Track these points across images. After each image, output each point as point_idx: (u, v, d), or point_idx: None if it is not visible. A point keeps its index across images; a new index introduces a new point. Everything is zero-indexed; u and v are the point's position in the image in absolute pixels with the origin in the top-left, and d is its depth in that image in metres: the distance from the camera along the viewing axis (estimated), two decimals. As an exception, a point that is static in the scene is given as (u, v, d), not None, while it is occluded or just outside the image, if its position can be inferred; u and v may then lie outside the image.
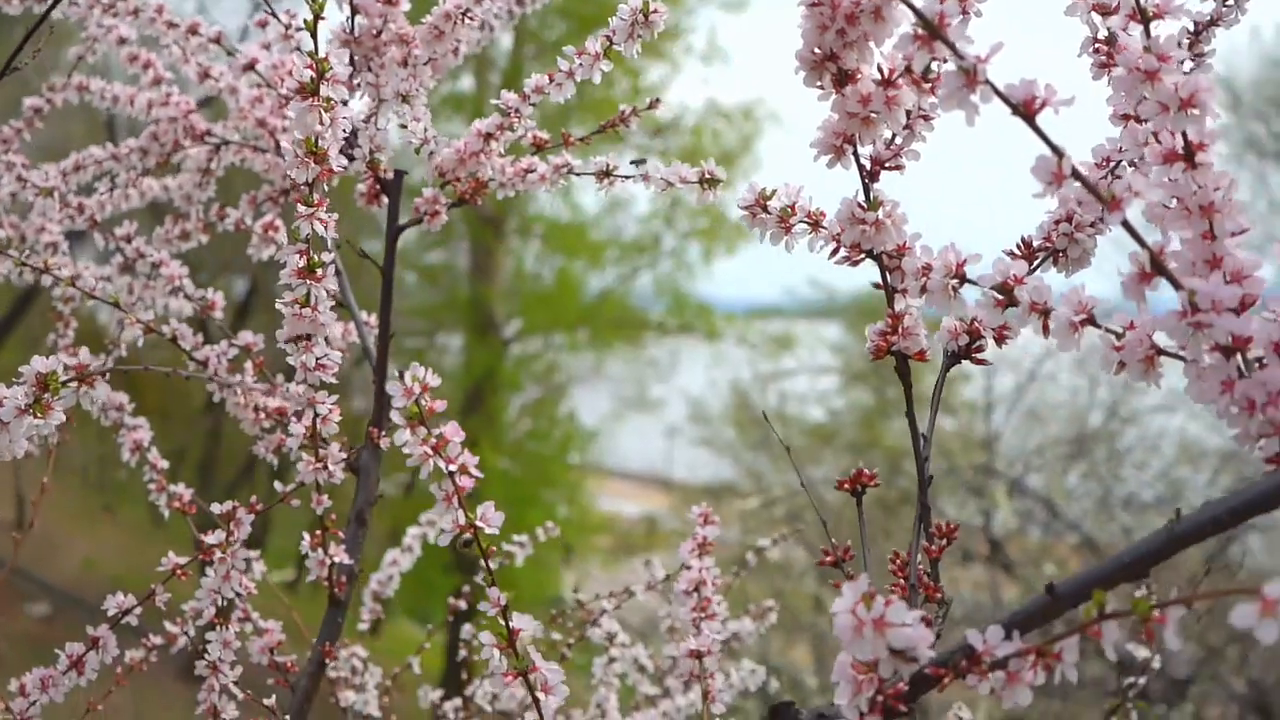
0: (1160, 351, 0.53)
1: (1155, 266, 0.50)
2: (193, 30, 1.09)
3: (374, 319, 1.08)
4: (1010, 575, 5.79)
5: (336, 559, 0.95)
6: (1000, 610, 6.38)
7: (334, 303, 1.02)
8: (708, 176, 0.81)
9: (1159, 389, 0.58)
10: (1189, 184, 0.53)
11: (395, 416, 0.60)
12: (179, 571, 0.90)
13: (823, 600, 7.10)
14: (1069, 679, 0.49)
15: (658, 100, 0.95)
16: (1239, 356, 0.50)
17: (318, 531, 0.94)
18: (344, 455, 0.89)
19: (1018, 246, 0.66)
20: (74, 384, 0.68)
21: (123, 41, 1.20)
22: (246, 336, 1.04)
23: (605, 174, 0.91)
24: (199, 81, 1.15)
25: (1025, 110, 0.49)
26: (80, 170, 1.19)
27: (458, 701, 1.46)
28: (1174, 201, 0.55)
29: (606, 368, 11.85)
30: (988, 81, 0.49)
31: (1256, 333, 0.51)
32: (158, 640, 1.06)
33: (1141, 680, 1.07)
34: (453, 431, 0.61)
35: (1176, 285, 0.50)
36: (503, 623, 0.63)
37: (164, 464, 1.08)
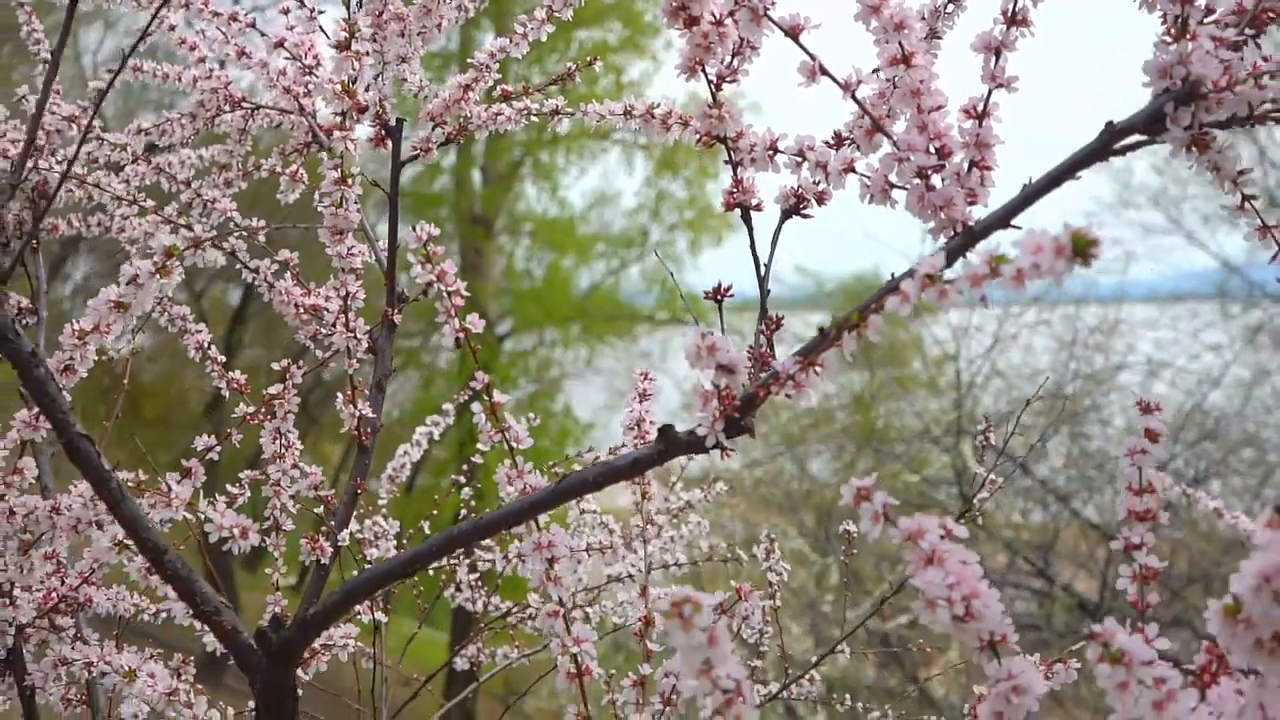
0: (891, 185, 0.84)
1: (875, 127, 0.81)
2: (233, 18, 1.39)
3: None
4: (984, 531, 6.12)
5: (364, 413, 1.25)
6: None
7: (355, 225, 1.33)
8: (628, 109, 1.11)
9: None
10: (906, 76, 0.83)
11: (410, 256, 0.90)
12: (248, 417, 1.20)
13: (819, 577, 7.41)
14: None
15: (595, 59, 1.26)
16: (930, 178, 0.81)
17: (349, 391, 1.24)
18: (368, 328, 1.20)
19: (832, 136, 0.97)
20: (191, 250, 0.98)
21: (172, 28, 1.50)
22: (285, 253, 1.34)
23: (555, 113, 1.22)
24: (236, 59, 1.45)
25: (792, 32, 0.80)
26: (143, 133, 1.50)
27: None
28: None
29: (599, 361, 12.14)
30: (767, 15, 0.80)
31: (947, 171, 0.82)
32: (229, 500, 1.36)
33: (985, 495, 1.37)
34: (449, 266, 0.91)
35: (889, 136, 0.81)
36: (488, 398, 0.94)
37: (222, 358, 1.38)
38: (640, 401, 1.22)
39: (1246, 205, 0.78)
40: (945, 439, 6.25)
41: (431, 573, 1.66)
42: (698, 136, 0.92)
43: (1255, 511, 6.80)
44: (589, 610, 1.52)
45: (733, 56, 0.89)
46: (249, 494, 1.33)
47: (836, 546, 6.87)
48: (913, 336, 10.24)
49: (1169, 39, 0.74)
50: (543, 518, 0.93)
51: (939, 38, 0.96)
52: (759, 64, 0.92)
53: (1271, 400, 7.66)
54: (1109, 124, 0.74)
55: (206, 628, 0.97)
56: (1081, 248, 0.57)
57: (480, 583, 1.72)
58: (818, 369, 0.79)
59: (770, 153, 0.89)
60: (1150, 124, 0.73)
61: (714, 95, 0.90)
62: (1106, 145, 0.74)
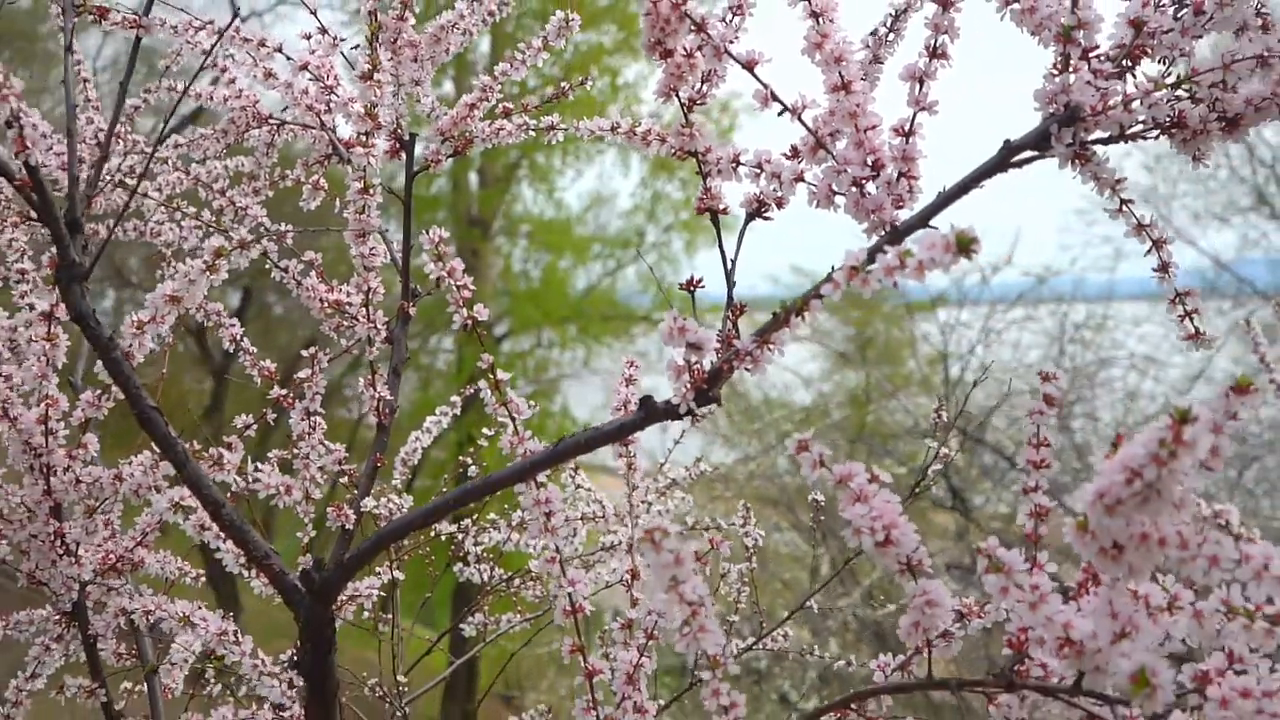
0: (834, 192, 1.00)
1: (818, 144, 0.97)
2: (261, 43, 1.55)
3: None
4: (971, 520, 6.29)
5: (382, 395, 1.41)
6: (967, 553, 6.88)
7: (376, 229, 1.48)
8: (614, 126, 1.27)
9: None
10: (845, 101, 0.99)
11: (424, 255, 1.06)
12: (282, 400, 1.36)
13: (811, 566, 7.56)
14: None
15: (585, 79, 1.42)
16: (864, 186, 0.96)
17: (369, 375, 1.40)
18: (386, 319, 1.36)
19: (790, 149, 1.13)
20: (237, 249, 1.14)
21: (206, 54, 1.66)
22: (310, 254, 1.50)
23: (551, 128, 1.38)
24: (264, 80, 1.61)
25: (748, 65, 0.96)
26: (179, 147, 1.65)
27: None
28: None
29: (596, 362, 12.29)
30: (727, 51, 0.95)
31: (880, 180, 0.98)
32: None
33: (938, 466, 1.53)
34: (458, 264, 1.07)
35: (828, 151, 0.97)
36: (491, 375, 1.09)
37: (254, 350, 1.53)
38: (626, 386, 1.38)
39: (1125, 209, 0.94)
40: (934, 431, 6.42)
41: (444, 538, 1.82)
42: (673, 151, 1.08)
43: (1236, 501, 6.97)
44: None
45: (703, 83, 1.05)
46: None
47: (829, 540, 7.03)
48: (907, 336, 10.41)
49: (1054, 71, 0.90)
50: (541, 479, 1.09)
51: (881, 63, 1.12)
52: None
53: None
54: (1006, 141, 0.90)
55: (257, 572, 1.12)
56: (964, 245, 0.73)
57: (486, 555, 1.88)
58: (771, 347, 0.95)
59: (733, 165, 1.05)
60: (1039, 142, 0.89)
61: (686, 115, 1.06)
62: (1005, 159, 0.90)
